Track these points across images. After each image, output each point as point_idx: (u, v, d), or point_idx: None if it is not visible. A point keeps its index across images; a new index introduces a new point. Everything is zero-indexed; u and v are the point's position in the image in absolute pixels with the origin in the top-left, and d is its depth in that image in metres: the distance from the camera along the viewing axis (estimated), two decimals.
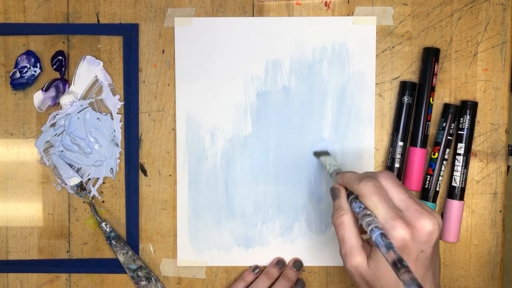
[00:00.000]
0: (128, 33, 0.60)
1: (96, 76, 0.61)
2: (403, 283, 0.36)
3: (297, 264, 0.60)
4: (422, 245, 0.42)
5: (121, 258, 0.60)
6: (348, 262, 0.44)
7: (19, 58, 0.61)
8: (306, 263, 0.61)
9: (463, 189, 0.59)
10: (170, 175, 0.61)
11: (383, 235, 0.40)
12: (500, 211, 0.61)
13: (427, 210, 0.44)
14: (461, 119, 0.59)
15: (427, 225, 0.42)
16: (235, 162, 0.61)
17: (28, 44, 0.61)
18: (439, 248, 0.46)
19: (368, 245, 0.45)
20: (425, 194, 0.59)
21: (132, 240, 0.61)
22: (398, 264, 0.37)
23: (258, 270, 0.60)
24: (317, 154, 0.60)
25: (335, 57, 0.60)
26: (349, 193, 0.47)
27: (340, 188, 0.48)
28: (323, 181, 0.61)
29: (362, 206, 0.44)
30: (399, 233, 0.41)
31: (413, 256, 0.42)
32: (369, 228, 0.42)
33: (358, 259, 0.44)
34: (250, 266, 0.61)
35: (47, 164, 0.61)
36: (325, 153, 0.59)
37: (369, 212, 0.43)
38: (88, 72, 0.61)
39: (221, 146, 0.61)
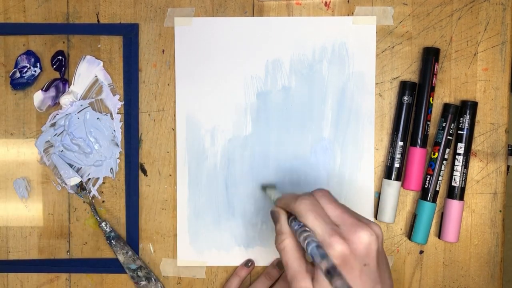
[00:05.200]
0: (128, 33, 0.60)
1: (96, 76, 0.61)
2: None
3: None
4: (364, 259, 0.41)
5: (121, 258, 0.60)
6: (296, 285, 0.43)
7: (19, 58, 0.61)
8: None
9: (463, 189, 0.59)
10: (170, 175, 0.61)
11: (319, 246, 0.40)
12: (500, 211, 0.61)
13: (364, 221, 0.43)
14: (461, 119, 0.59)
15: (363, 236, 0.41)
16: (235, 162, 0.61)
17: (28, 44, 0.61)
18: (386, 260, 0.45)
19: (313, 267, 0.44)
20: (425, 194, 0.59)
21: (132, 240, 0.61)
22: (332, 271, 0.37)
23: (251, 264, 0.60)
24: (264, 187, 0.59)
25: (335, 57, 0.60)
26: (290, 215, 0.47)
27: (280, 211, 0.47)
28: (323, 181, 0.61)
29: (301, 224, 0.44)
30: (337, 249, 0.41)
31: (357, 271, 0.41)
32: (306, 242, 0.41)
33: (303, 284, 0.43)
34: (243, 261, 0.61)
35: (47, 164, 0.61)
36: (272, 186, 0.59)
37: (307, 229, 0.43)
38: (88, 72, 0.61)
39: (221, 146, 0.61)
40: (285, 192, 0.57)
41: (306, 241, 0.41)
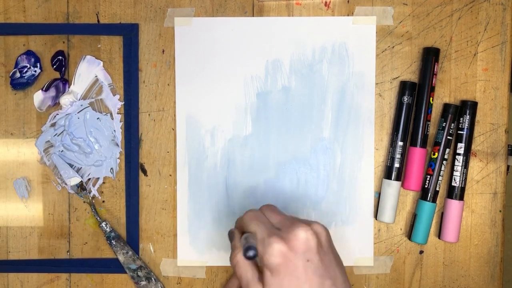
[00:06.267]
0: (128, 33, 0.60)
1: (96, 76, 0.61)
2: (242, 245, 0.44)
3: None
4: (305, 255, 0.43)
5: (121, 258, 0.60)
6: None
7: (19, 58, 0.61)
8: None
9: (463, 189, 0.59)
10: (170, 175, 0.61)
11: (246, 237, 0.45)
12: (500, 211, 0.61)
13: (303, 221, 0.45)
14: (461, 119, 0.59)
15: (299, 233, 0.43)
16: (235, 162, 0.61)
17: (28, 44, 0.61)
18: (337, 257, 0.46)
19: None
20: (425, 194, 0.59)
21: (132, 240, 0.61)
22: (248, 246, 0.43)
23: None
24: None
25: (335, 57, 0.60)
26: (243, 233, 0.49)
27: (235, 230, 0.50)
28: (323, 181, 0.61)
29: (247, 233, 0.47)
30: (275, 248, 0.43)
31: (300, 267, 0.43)
32: (241, 240, 0.45)
33: None
34: None
35: (47, 164, 0.61)
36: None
37: (249, 236, 0.46)
38: (88, 72, 0.61)
39: (221, 146, 0.61)
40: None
41: (242, 242, 0.45)
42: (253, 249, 0.41)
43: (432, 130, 0.60)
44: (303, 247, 0.43)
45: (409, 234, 0.60)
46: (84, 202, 0.61)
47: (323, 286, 0.43)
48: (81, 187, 0.61)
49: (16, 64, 0.61)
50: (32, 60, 0.61)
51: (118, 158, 0.61)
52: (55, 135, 0.61)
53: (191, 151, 0.61)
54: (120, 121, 0.61)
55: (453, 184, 0.59)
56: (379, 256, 0.61)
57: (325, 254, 0.44)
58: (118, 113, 0.61)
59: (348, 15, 0.60)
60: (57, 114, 0.61)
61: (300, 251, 0.43)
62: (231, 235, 0.50)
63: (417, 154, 0.59)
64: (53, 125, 0.61)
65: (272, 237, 0.43)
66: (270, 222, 0.47)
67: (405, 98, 0.59)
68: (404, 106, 0.59)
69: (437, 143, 0.59)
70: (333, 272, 0.44)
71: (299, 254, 0.43)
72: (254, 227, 0.46)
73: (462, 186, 0.59)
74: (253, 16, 0.60)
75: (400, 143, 0.59)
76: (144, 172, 0.61)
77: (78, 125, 0.61)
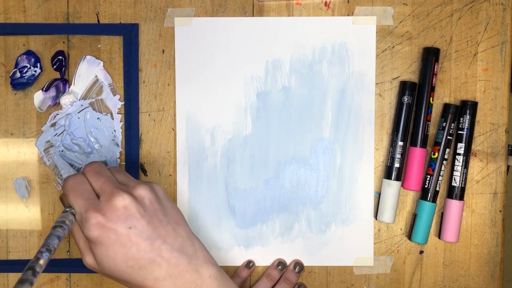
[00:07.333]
0: (128, 33, 0.60)
1: (96, 76, 0.61)
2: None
3: (298, 266, 0.60)
4: (126, 222, 0.43)
5: None
6: (83, 262, 0.47)
7: (19, 58, 0.61)
8: (306, 263, 0.61)
9: (463, 189, 0.59)
10: (170, 175, 0.61)
11: (55, 227, 0.44)
12: (500, 211, 0.61)
13: (124, 186, 0.45)
14: (461, 119, 0.59)
15: (116, 203, 0.44)
16: (235, 162, 0.61)
17: (28, 44, 0.61)
18: (166, 212, 0.46)
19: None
20: (425, 194, 0.59)
21: None
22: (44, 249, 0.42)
23: (252, 264, 0.60)
24: None
25: (335, 57, 0.60)
26: None
27: (63, 196, 0.49)
28: (323, 181, 0.61)
29: (68, 205, 0.46)
30: (92, 222, 0.43)
31: (123, 236, 0.43)
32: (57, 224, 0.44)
33: (87, 259, 0.46)
34: (244, 262, 0.61)
35: (47, 164, 0.61)
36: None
37: (68, 209, 0.46)
38: (88, 72, 0.61)
39: (221, 146, 0.61)
40: None
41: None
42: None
43: (432, 130, 0.60)
44: (123, 215, 0.43)
45: (409, 234, 0.60)
46: None
47: (153, 246, 0.44)
48: None
49: (16, 64, 0.61)
50: (32, 60, 0.61)
51: (118, 158, 0.61)
52: (55, 135, 0.61)
53: (191, 151, 0.61)
54: (120, 121, 0.61)
55: (453, 184, 0.59)
56: (379, 256, 0.61)
57: (152, 215, 0.45)
58: (118, 113, 0.61)
59: (348, 15, 0.60)
60: (57, 114, 0.61)
61: (120, 219, 0.43)
62: (62, 201, 0.50)
63: (417, 154, 0.59)
64: (53, 125, 0.61)
65: (89, 212, 0.43)
66: (90, 189, 0.46)
67: (405, 98, 0.59)
68: (404, 106, 0.59)
69: (437, 143, 0.59)
70: (163, 231, 0.45)
71: (119, 223, 0.43)
72: (72, 200, 0.45)
73: (462, 186, 0.59)
74: (253, 16, 0.61)
75: (400, 143, 0.59)
76: (144, 172, 0.61)
77: (78, 125, 0.61)
